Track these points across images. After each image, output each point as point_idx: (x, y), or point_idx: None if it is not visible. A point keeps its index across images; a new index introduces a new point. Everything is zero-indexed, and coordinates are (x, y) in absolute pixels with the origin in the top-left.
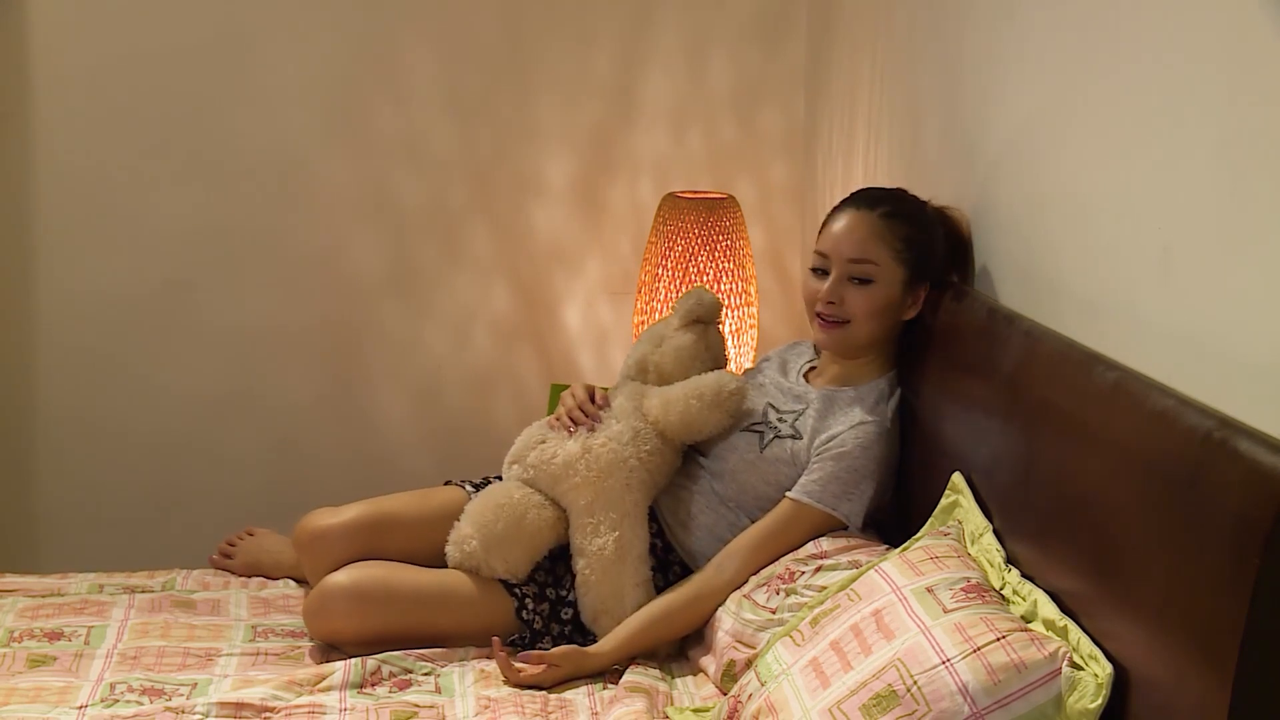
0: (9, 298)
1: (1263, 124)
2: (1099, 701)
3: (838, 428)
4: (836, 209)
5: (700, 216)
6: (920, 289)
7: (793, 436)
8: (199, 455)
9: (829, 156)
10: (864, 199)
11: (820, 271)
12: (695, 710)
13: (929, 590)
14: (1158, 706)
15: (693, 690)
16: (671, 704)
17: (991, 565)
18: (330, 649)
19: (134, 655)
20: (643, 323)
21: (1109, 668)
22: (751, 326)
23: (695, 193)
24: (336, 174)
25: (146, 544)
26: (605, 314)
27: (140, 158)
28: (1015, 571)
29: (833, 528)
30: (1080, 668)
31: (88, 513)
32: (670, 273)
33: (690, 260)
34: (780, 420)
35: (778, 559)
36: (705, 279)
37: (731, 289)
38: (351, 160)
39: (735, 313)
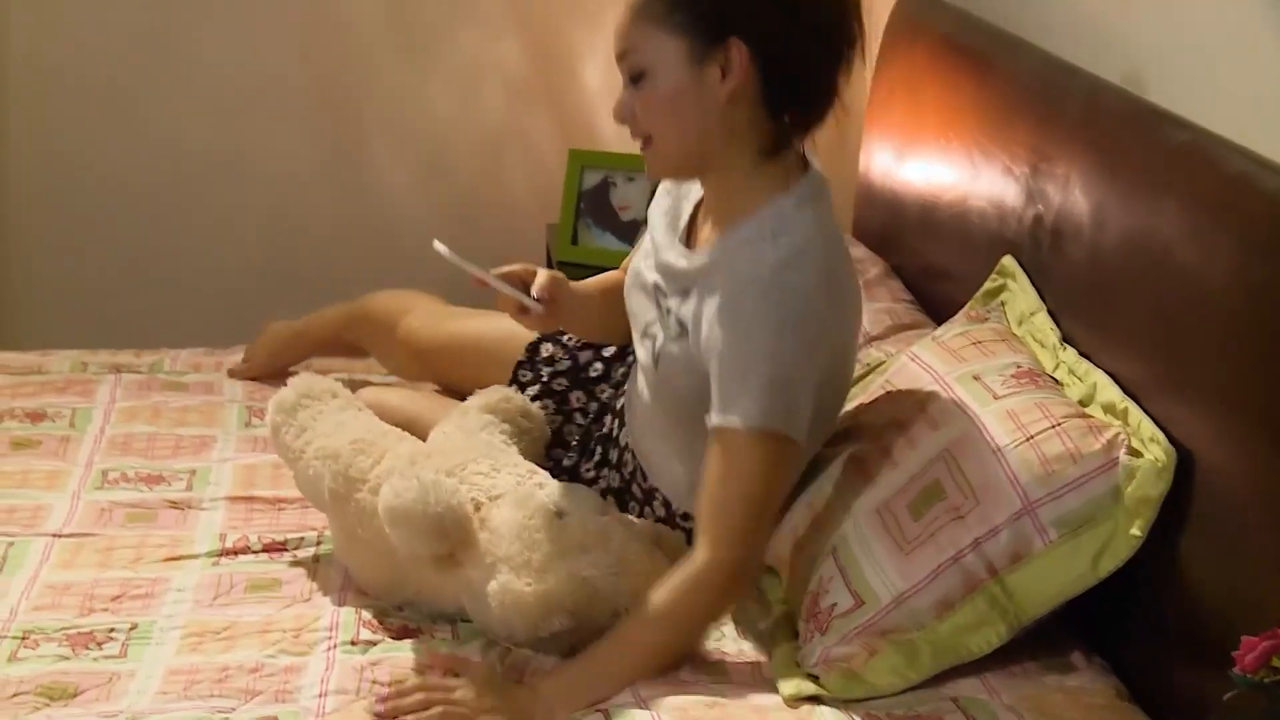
0: None
1: None
2: (1160, 488)
3: (722, 297)
4: None
5: None
6: (718, 49)
7: (679, 334)
8: (186, 221)
9: None
10: None
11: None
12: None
13: (976, 378)
14: (1223, 490)
15: None
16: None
17: (1044, 346)
18: None
19: (123, 441)
20: None
21: (1172, 452)
22: None
23: None
24: None
25: (131, 317)
26: None
27: None
28: (1072, 351)
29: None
30: (1140, 454)
31: (68, 284)
32: None
33: None
34: (667, 314)
35: (759, 505)
36: None
37: None
38: None
39: None
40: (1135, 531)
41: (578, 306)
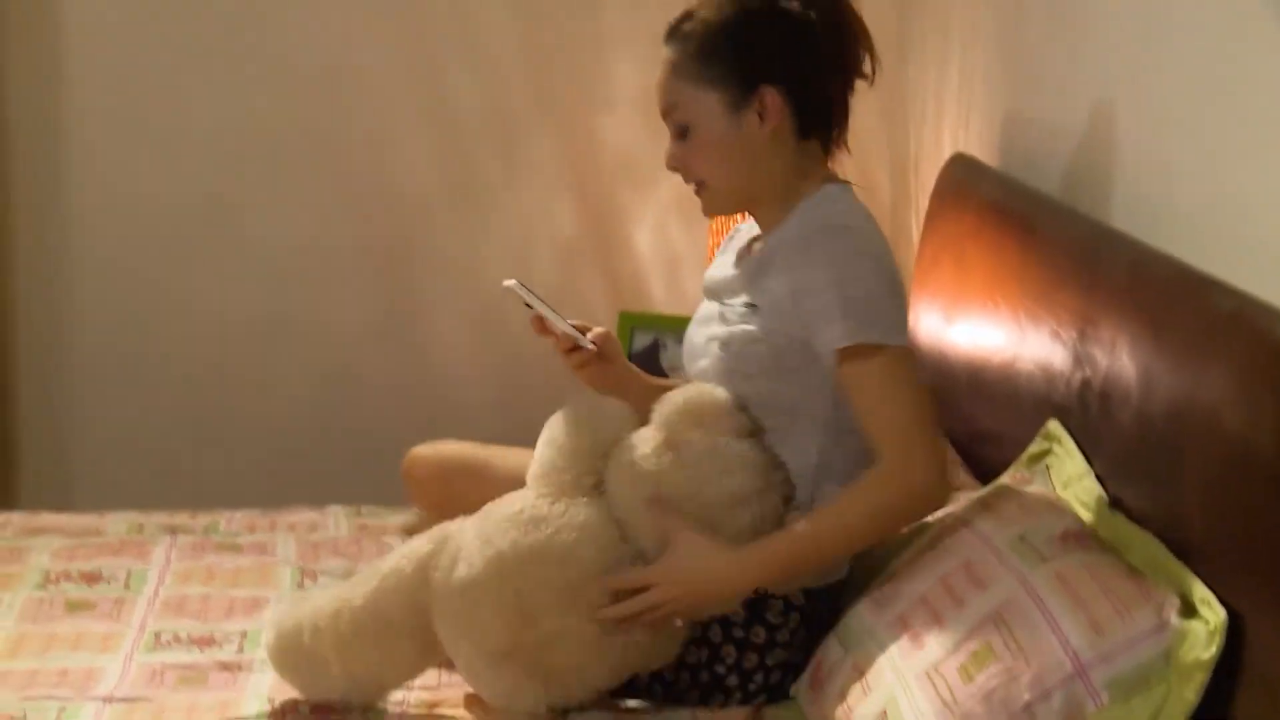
0: (38, 214)
1: None
2: (1212, 651)
3: (790, 256)
4: None
5: None
6: (754, 95)
7: (745, 313)
8: (241, 384)
9: (920, 67)
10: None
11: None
12: None
13: (1022, 538)
14: (1277, 654)
15: None
16: None
17: (1091, 509)
18: None
19: (177, 602)
20: (716, 245)
21: (1222, 613)
22: None
23: None
24: (386, 77)
25: (187, 479)
26: (678, 235)
27: (176, 60)
28: (1121, 515)
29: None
30: (1191, 616)
31: (124, 446)
32: None
33: None
34: (729, 309)
35: (900, 415)
36: None
37: None
38: (403, 62)
39: None
40: (1188, 695)
41: (627, 376)
